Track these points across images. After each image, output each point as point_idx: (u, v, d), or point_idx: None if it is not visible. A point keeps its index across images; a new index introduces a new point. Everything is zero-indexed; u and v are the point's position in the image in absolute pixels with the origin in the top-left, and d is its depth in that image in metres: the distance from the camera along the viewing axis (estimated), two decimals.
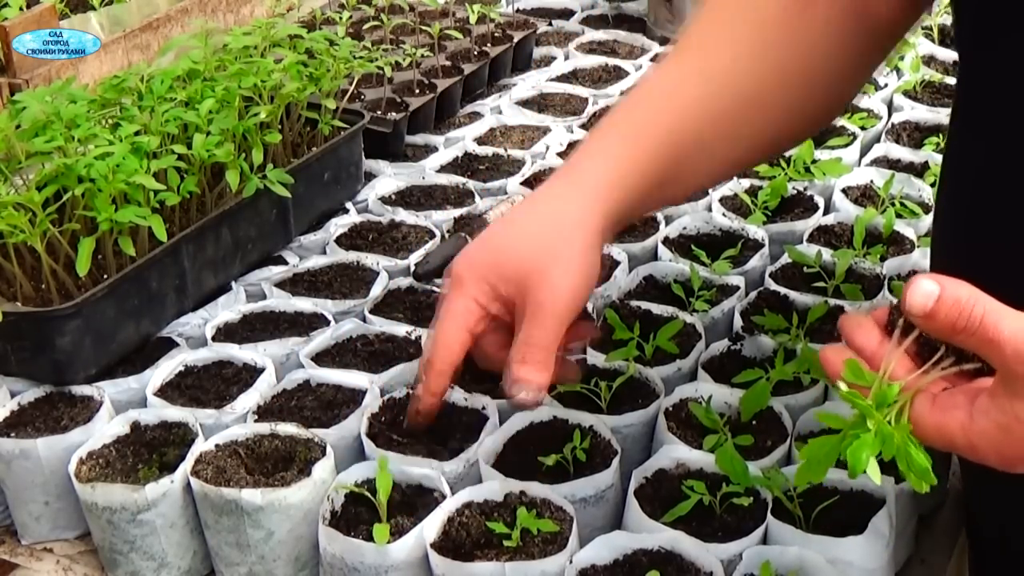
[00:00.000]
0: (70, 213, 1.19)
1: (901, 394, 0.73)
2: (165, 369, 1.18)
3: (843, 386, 0.74)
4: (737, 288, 1.29)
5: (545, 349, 0.93)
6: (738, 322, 1.23)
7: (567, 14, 2.18)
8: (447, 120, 1.78)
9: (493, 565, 0.93)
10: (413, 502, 1.02)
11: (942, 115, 1.65)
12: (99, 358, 1.17)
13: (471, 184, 1.55)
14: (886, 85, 1.77)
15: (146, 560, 1.05)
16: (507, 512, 1.00)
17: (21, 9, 1.76)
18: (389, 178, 1.57)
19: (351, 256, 1.38)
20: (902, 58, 1.80)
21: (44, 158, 1.20)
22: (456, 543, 0.97)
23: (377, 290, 1.31)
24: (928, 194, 1.47)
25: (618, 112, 1.00)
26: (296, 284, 1.35)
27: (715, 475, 1.03)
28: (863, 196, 1.49)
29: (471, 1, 1.96)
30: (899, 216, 1.42)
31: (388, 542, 0.96)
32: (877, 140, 1.64)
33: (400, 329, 1.24)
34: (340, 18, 1.81)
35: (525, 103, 1.79)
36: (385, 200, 1.53)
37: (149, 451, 1.09)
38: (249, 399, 1.13)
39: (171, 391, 1.17)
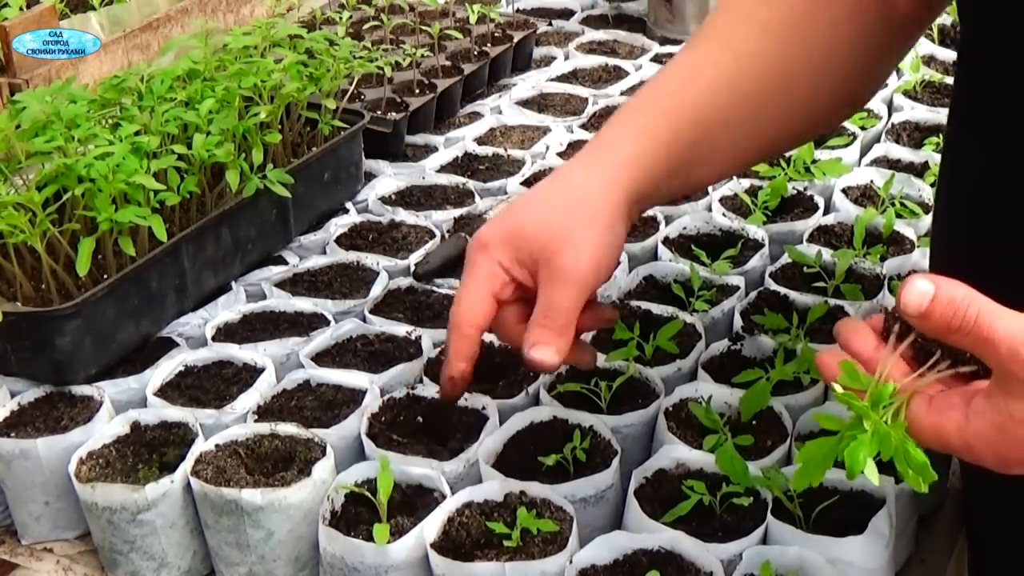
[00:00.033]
0: (70, 213, 1.19)
1: (897, 396, 0.73)
2: (165, 369, 1.18)
3: (839, 387, 0.74)
4: (737, 288, 1.29)
5: (564, 314, 0.93)
6: (738, 322, 1.23)
7: (567, 14, 2.18)
8: (447, 120, 1.78)
9: (493, 565, 0.93)
10: (413, 502, 1.02)
11: (942, 115, 1.65)
12: (99, 358, 1.17)
13: (471, 184, 1.55)
14: (886, 85, 1.76)
15: (146, 560, 1.05)
16: (507, 512, 1.00)
17: (21, 9, 1.76)
18: (389, 178, 1.57)
19: (351, 256, 1.38)
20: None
21: (44, 158, 1.20)
22: (456, 543, 0.97)
23: (377, 290, 1.31)
24: (928, 194, 1.47)
25: (641, 94, 1.02)
26: (296, 284, 1.35)
27: (715, 475, 1.03)
28: (863, 196, 1.49)
29: (471, 1, 1.96)
30: (899, 216, 1.42)
31: (388, 542, 0.96)
32: (877, 140, 1.64)
33: (400, 329, 1.24)
34: (340, 18, 1.81)
35: (525, 103, 1.79)
36: (385, 200, 1.53)
37: (149, 451, 1.09)
38: (249, 399, 1.13)
39: (171, 391, 1.17)
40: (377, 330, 1.25)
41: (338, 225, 1.46)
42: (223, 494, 1.01)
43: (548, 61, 1.97)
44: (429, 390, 1.14)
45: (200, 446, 1.06)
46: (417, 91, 1.73)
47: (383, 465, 1.00)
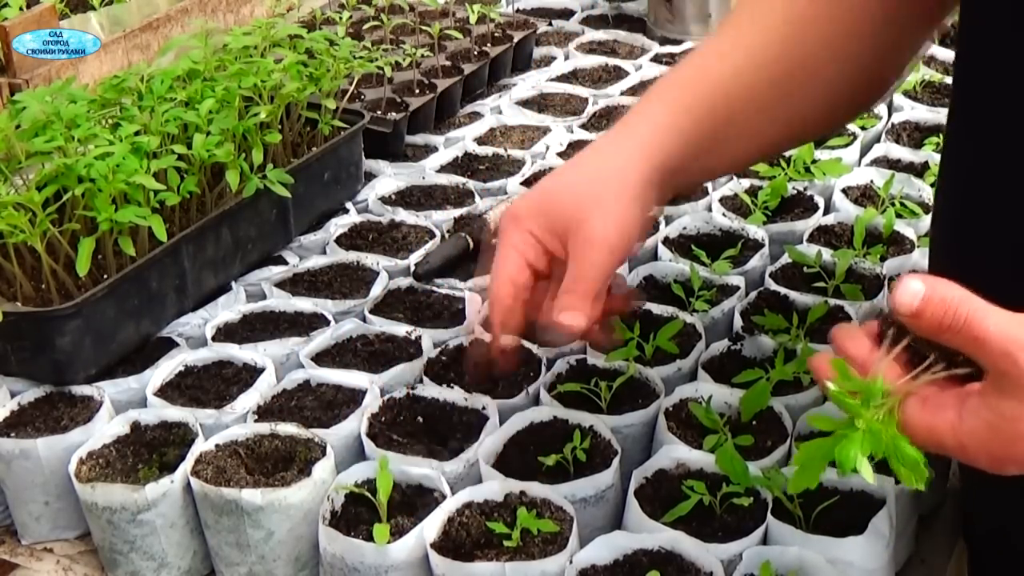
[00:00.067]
0: (70, 213, 1.19)
1: (891, 396, 0.73)
2: (165, 369, 1.18)
3: (832, 386, 0.74)
4: (737, 288, 1.29)
5: (591, 280, 0.94)
6: (738, 322, 1.23)
7: (567, 14, 2.18)
8: (447, 120, 1.78)
9: (493, 565, 0.93)
10: (413, 502, 1.02)
11: (942, 115, 1.65)
12: (99, 358, 1.17)
13: (471, 184, 1.55)
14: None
15: (146, 560, 1.05)
16: (507, 512, 1.00)
17: (21, 9, 1.76)
18: (389, 178, 1.57)
19: (351, 256, 1.38)
20: None
21: (44, 158, 1.20)
22: (456, 543, 0.97)
23: (377, 290, 1.31)
24: (928, 194, 1.47)
25: (671, 73, 1.04)
26: (296, 284, 1.35)
27: (715, 475, 1.03)
28: (863, 196, 1.49)
29: (471, 1, 1.96)
30: (899, 216, 1.42)
31: (388, 542, 0.96)
32: (877, 140, 1.64)
33: (400, 329, 1.24)
34: (340, 18, 1.81)
35: (525, 103, 1.79)
36: (385, 200, 1.53)
37: (149, 451, 1.09)
38: (249, 399, 1.13)
39: (171, 391, 1.17)
40: (377, 330, 1.25)
41: (338, 225, 1.46)
42: (223, 494, 1.01)
43: (548, 61, 1.97)
44: (429, 390, 1.14)
45: (200, 446, 1.06)
46: (417, 91, 1.73)
47: (383, 465, 1.00)
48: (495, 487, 1.01)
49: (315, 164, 1.44)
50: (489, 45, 1.89)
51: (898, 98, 1.73)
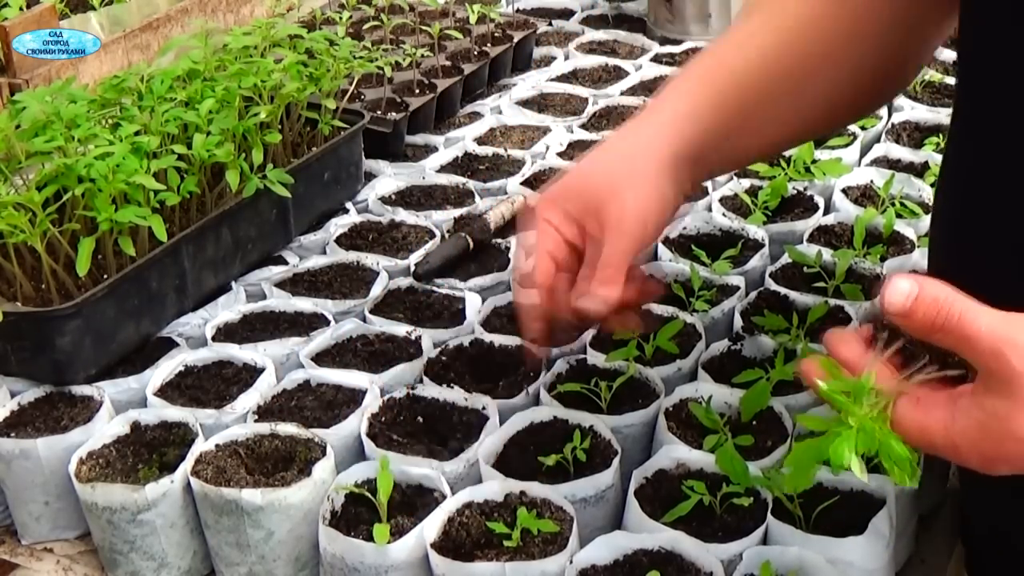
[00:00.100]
0: (70, 213, 1.19)
1: (884, 396, 0.73)
2: (165, 369, 1.18)
3: (822, 384, 0.74)
4: (737, 288, 1.29)
5: (611, 265, 0.96)
6: (738, 322, 1.23)
7: (567, 14, 2.18)
8: (447, 120, 1.78)
9: (493, 565, 0.93)
10: (413, 502, 1.02)
11: (942, 115, 1.65)
12: (99, 358, 1.17)
13: (471, 184, 1.55)
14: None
15: (146, 560, 1.05)
16: (507, 512, 1.00)
17: (21, 9, 1.76)
18: (389, 178, 1.57)
19: (351, 256, 1.38)
20: None
21: (44, 158, 1.20)
22: (456, 543, 0.97)
23: (377, 290, 1.31)
24: (928, 194, 1.47)
25: (692, 62, 1.05)
26: (296, 284, 1.35)
27: (715, 475, 1.03)
28: (863, 196, 1.49)
29: (471, 1, 1.96)
30: (899, 216, 1.42)
31: (388, 542, 0.96)
32: (877, 140, 1.64)
33: (400, 329, 1.24)
34: (340, 18, 1.81)
35: (525, 103, 1.79)
36: (385, 200, 1.53)
37: (149, 451, 1.09)
38: (249, 399, 1.13)
39: (171, 391, 1.17)
40: (377, 330, 1.25)
41: (338, 225, 1.46)
42: (223, 494, 1.00)
43: (548, 61, 1.97)
44: (429, 390, 1.14)
45: (200, 446, 1.06)
46: (417, 91, 1.73)
47: (383, 465, 1.00)
48: (495, 487, 1.01)
49: (315, 164, 1.44)
50: (489, 45, 1.89)
51: (898, 98, 1.73)
